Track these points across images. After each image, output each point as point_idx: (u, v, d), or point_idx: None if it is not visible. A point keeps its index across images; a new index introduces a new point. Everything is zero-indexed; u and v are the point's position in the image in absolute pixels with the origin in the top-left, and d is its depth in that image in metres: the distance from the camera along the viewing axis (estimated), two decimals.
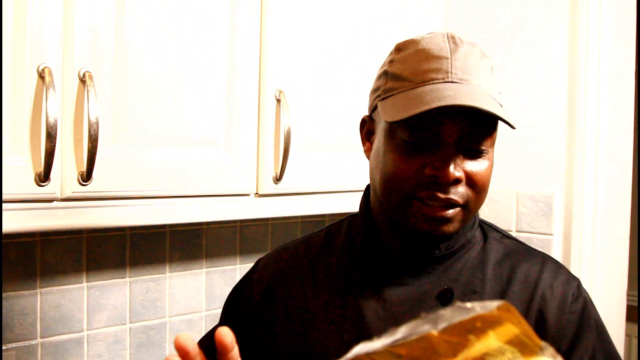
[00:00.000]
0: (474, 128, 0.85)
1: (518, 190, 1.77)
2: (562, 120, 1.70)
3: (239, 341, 1.03)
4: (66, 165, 1.05)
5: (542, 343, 0.54)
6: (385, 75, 0.91)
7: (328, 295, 0.95)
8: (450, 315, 0.53)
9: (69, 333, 1.41)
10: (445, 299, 0.90)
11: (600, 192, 1.69)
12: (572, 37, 1.68)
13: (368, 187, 0.99)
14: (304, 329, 0.95)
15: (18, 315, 1.34)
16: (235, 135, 1.28)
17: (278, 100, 1.33)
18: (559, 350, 0.89)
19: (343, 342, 0.91)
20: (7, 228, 0.99)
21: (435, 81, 0.85)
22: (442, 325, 0.52)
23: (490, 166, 0.90)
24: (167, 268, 1.58)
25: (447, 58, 0.86)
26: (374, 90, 0.94)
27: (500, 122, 0.89)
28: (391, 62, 0.91)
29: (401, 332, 0.53)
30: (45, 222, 1.05)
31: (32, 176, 1.00)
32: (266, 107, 1.33)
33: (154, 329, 1.56)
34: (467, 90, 0.84)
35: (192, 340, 0.73)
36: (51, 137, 0.98)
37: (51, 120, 0.98)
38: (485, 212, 1.78)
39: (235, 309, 1.06)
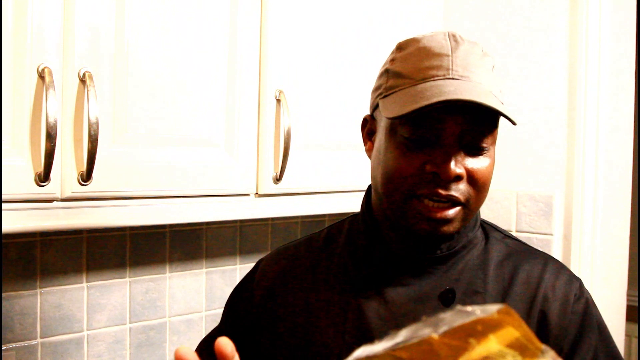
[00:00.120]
0: (475, 125, 0.85)
1: (518, 190, 1.77)
2: (562, 120, 1.70)
3: (241, 341, 1.03)
4: (66, 165, 1.05)
5: (543, 346, 0.54)
6: (386, 73, 0.92)
7: (329, 295, 0.95)
8: (451, 319, 0.53)
9: (69, 333, 1.41)
10: (447, 299, 0.90)
11: (600, 192, 1.69)
12: (572, 37, 1.68)
13: (369, 187, 0.99)
14: (304, 329, 0.95)
15: (18, 315, 1.34)
16: (235, 135, 1.28)
17: (278, 100, 1.33)
18: (561, 350, 0.89)
19: (344, 343, 0.91)
20: (7, 228, 0.99)
21: (436, 78, 0.85)
22: (442, 328, 0.52)
23: (492, 164, 0.90)
24: (167, 268, 1.58)
25: (447, 55, 0.86)
26: (376, 89, 0.94)
27: (500, 122, 0.89)
28: (392, 60, 0.92)
29: (402, 336, 0.53)
30: (45, 222, 1.05)
31: (32, 176, 1.00)
32: (266, 107, 1.33)
33: (154, 329, 1.56)
34: (467, 86, 0.84)
35: (192, 352, 0.73)
36: (51, 137, 0.98)
37: (51, 120, 0.98)
38: (485, 212, 1.78)
39: (237, 309, 1.06)
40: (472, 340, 0.52)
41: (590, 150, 1.67)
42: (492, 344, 0.52)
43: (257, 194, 1.33)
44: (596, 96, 1.66)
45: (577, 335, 0.90)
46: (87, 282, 1.44)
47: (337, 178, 1.47)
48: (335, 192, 1.48)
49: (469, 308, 0.54)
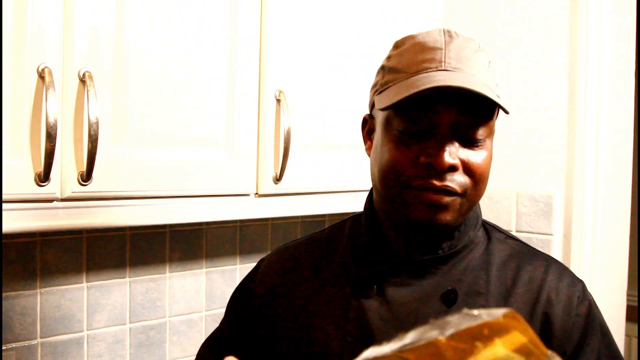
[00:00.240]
0: (469, 115, 0.86)
1: (518, 190, 1.77)
2: (562, 120, 1.70)
3: (243, 340, 1.03)
4: (66, 165, 1.05)
5: (549, 352, 0.54)
6: (382, 70, 0.93)
7: (330, 295, 0.95)
8: (458, 322, 0.53)
9: (69, 333, 1.41)
10: (449, 300, 0.90)
11: (600, 192, 1.69)
12: (572, 37, 1.68)
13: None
14: (305, 329, 0.95)
15: (18, 315, 1.34)
16: (235, 135, 1.28)
17: (278, 100, 1.33)
18: (564, 354, 0.89)
19: (345, 343, 0.90)
20: (7, 228, 0.99)
21: (429, 70, 0.86)
22: (449, 331, 0.52)
23: (489, 156, 0.89)
24: (167, 268, 1.58)
25: (441, 49, 0.87)
26: (373, 86, 0.95)
27: (500, 120, 0.89)
28: (389, 57, 0.93)
29: (409, 338, 0.54)
30: (45, 222, 1.05)
31: (32, 176, 1.00)
32: (266, 107, 1.33)
33: (154, 329, 1.56)
34: (459, 76, 0.85)
35: None
36: (51, 137, 0.98)
37: (51, 120, 0.98)
38: (485, 212, 1.78)
39: (239, 309, 1.06)
40: (478, 344, 0.52)
41: (590, 150, 1.67)
42: (499, 348, 0.52)
43: (257, 194, 1.33)
44: (596, 96, 1.66)
45: (580, 339, 0.90)
46: (87, 282, 1.44)
47: (337, 178, 1.47)
48: (335, 192, 1.48)
49: (475, 311, 0.54)
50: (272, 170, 1.34)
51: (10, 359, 1.32)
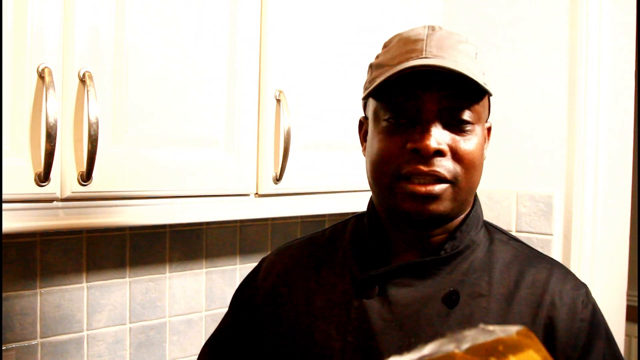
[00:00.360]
0: (453, 100, 0.87)
1: (518, 190, 1.76)
2: (562, 120, 1.70)
3: (245, 340, 1.03)
4: (66, 165, 1.05)
5: None
6: (370, 68, 0.95)
7: (332, 295, 0.95)
8: (474, 336, 0.55)
9: (69, 333, 1.41)
10: (451, 301, 0.89)
11: (600, 192, 1.69)
12: (572, 36, 1.68)
13: None
14: (307, 329, 0.94)
15: (18, 315, 1.34)
16: (235, 135, 1.28)
17: (278, 100, 1.33)
18: (569, 357, 0.88)
19: (346, 343, 0.90)
20: (7, 228, 0.99)
21: (410, 59, 0.87)
22: (465, 345, 0.54)
23: (479, 143, 0.90)
24: (167, 268, 1.58)
25: (422, 40, 0.89)
26: (363, 85, 0.97)
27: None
28: (377, 56, 0.95)
29: (428, 349, 0.55)
30: (45, 222, 1.04)
31: (32, 176, 1.00)
32: (266, 107, 1.33)
33: (154, 329, 1.56)
34: (438, 61, 0.86)
35: None
36: (51, 137, 0.98)
37: (51, 120, 0.98)
38: (485, 212, 1.78)
39: (241, 309, 1.05)
40: (492, 359, 0.53)
41: (590, 150, 1.67)
42: None
43: (257, 194, 1.33)
44: (596, 96, 1.66)
45: (586, 344, 0.89)
46: (87, 282, 1.44)
47: (337, 178, 1.47)
48: (335, 192, 1.48)
49: (490, 327, 0.56)
50: (272, 170, 1.34)
51: (10, 359, 1.32)
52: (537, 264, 0.95)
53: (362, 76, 1.48)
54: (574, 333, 0.89)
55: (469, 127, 0.88)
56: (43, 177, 1.00)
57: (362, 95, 0.96)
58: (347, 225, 1.03)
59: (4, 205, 0.98)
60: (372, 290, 0.92)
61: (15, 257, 1.33)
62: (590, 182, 1.67)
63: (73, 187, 1.05)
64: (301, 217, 1.81)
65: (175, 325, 1.60)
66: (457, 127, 0.88)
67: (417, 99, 0.86)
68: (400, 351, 0.86)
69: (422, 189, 0.86)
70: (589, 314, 0.91)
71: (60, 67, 1.03)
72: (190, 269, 1.62)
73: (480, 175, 0.92)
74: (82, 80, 1.05)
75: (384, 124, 0.89)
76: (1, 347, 1.31)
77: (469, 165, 0.88)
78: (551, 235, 1.71)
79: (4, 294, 1.31)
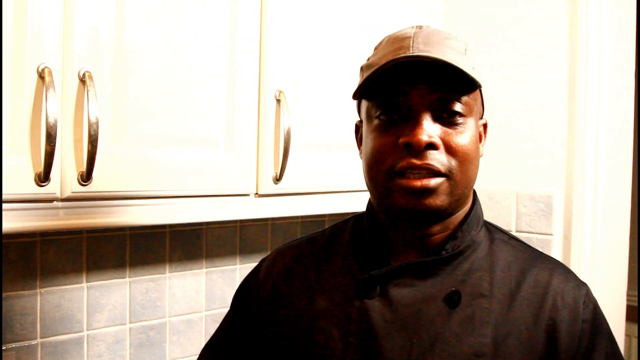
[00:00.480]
0: (442, 93, 0.87)
1: (518, 190, 1.76)
2: (562, 120, 1.70)
3: (246, 341, 1.03)
4: (66, 165, 1.05)
5: None
6: (361, 70, 0.95)
7: (333, 296, 0.95)
8: None
9: (69, 333, 1.41)
10: (453, 301, 0.89)
11: (600, 192, 1.68)
12: (572, 36, 1.68)
13: None
14: (308, 330, 0.94)
15: (18, 315, 1.34)
16: (235, 135, 1.28)
17: (278, 100, 1.33)
18: (572, 358, 0.89)
19: (348, 344, 0.90)
20: (7, 228, 0.99)
21: (397, 56, 0.87)
22: None
23: (473, 136, 0.90)
24: (167, 268, 1.58)
25: (410, 37, 0.89)
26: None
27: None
28: (367, 59, 0.95)
29: None
30: (45, 222, 1.04)
31: (32, 176, 1.00)
32: (266, 107, 1.33)
33: (154, 329, 1.56)
34: (424, 54, 0.86)
35: None
36: (51, 137, 0.98)
37: (51, 120, 0.98)
38: (485, 212, 1.78)
39: (241, 309, 1.05)
40: None
41: (590, 150, 1.66)
42: None
43: (257, 194, 1.33)
44: (596, 96, 1.66)
45: (589, 344, 0.90)
46: (87, 282, 1.44)
47: (337, 178, 1.47)
48: (335, 192, 1.48)
49: None
50: (272, 170, 1.34)
51: (10, 359, 1.32)
52: (538, 264, 0.95)
53: None
54: (577, 334, 0.89)
55: (460, 120, 0.88)
56: (43, 177, 1.00)
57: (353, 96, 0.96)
58: (347, 225, 1.03)
59: (4, 205, 0.98)
60: (374, 291, 0.92)
61: (15, 257, 1.33)
62: (590, 182, 1.67)
63: (73, 187, 1.05)
64: (301, 217, 1.81)
65: (175, 325, 1.60)
66: (448, 120, 0.88)
67: (406, 94, 0.87)
68: (402, 351, 0.86)
69: (418, 183, 0.86)
70: (591, 314, 0.91)
71: (60, 67, 1.03)
72: (190, 269, 1.62)
73: (477, 170, 0.92)
74: (82, 80, 1.05)
75: (375, 122, 0.90)
76: (1, 347, 1.31)
77: (463, 159, 0.88)
78: (551, 235, 1.71)
79: (4, 294, 1.32)
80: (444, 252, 0.92)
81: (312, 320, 0.94)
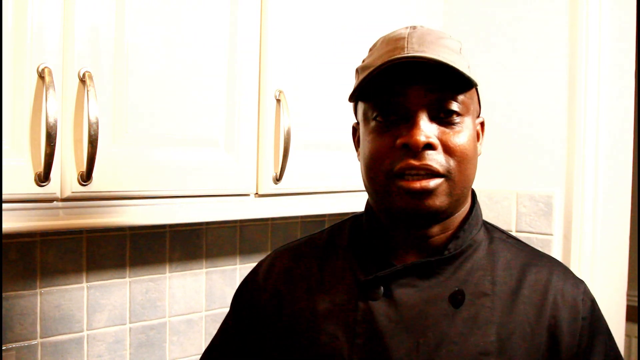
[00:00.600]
0: (437, 92, 0.87)
1: (518, 190, 1.76)
2: (562, 120, 1.70)
3: (247, 343, 1.03)
4: (66, 165, 1.05)
5: None
6: (357, 72, 0.95)
7: (335, 296, 0.94)
8: None
9: (69, 333, 1.41)
10: (457, 301, 0.89)
11: (600, 192, 1.68)
12: (572, 36, 1.68)
13: None
14: (310, 330, 0.94)
15: (18, 315, 1.34)
16: (235, 135, 1.28)
17: (278, 100, 1.33)
18: (574, 357, 0.89)
19: (354, 345, 0.90)
20: (7, 228, 0.99)
21: (392, 57, 0.87)
22: None
23: (470, 136, 0.90)
24: (167, 268, 1.58)
25: (404, 38, 0.89)
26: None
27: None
28: (363, 60, 0.96)
29: None
30: (45, 222, 1.04)
31: (32, 176, 1.00)
32: (266, 107, 1.33)
33: (154, 329, 1.56)
34: (419, 55, 0.86)
35: None
36: (51, 137, 0.98)
37: (51, 120, 0.98)
38: (485, 212, 1.78)
39: (241, 310, 1.05)
40: None
41: (590, 150, 1.67)
42: None
43: (257, 194, 1.33)
44: (596, 96, 1.66)
45: (589, 341, 0.91)
46: (87, 282, 1.44)
47: (337, 178, 1.47)
48: (335, 192, 1.48)
49: None
50: (272, 170, 1.34)
51: (10, 359, 1.32)
52: (537, 263, 0.95)
53: None
54: (577, 332, 0.90)
55: (457, 119, 0.88)
56: (43, 177, 1.00)
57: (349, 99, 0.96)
58: (345, 226, 1.03)
59: (4, 205, 0.98)
60: (378, 292, 0.92)
61: (15, 257, 1.33)
62: (590, 182, 1.67)
63: (73, 187, 1.05)
64: (301, 217, 1.81)
65: (175, 325, 1.60)
66: (445, 119, 0.88)
67: (402, 95, 0.87)
68: (409, 352, 0.86)
69: (417, 184, 0.86)
70: (589, 311, 0.92)
71: (60, 67, 1.03)
72: (190, 269, 1.62)
73: (475, 169, 0.92)
74: (82, 80, 1.05)
75: (373, 123, 0.90)
76: (1, 347, 1.31)
77: (461, 158, 0.88)
78: (551, 235, 1.71)
79: (4, 294, 1.31)
80: (446, 252, 0.92)
81: (313, 320, 0.94)
